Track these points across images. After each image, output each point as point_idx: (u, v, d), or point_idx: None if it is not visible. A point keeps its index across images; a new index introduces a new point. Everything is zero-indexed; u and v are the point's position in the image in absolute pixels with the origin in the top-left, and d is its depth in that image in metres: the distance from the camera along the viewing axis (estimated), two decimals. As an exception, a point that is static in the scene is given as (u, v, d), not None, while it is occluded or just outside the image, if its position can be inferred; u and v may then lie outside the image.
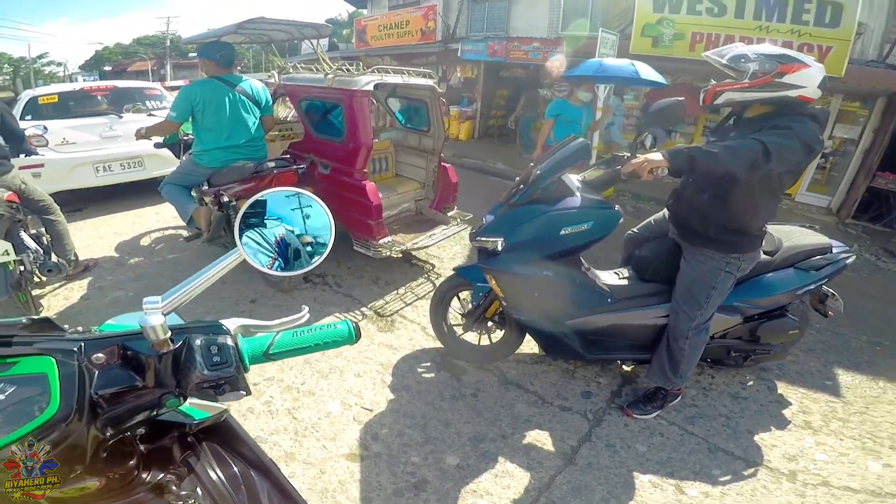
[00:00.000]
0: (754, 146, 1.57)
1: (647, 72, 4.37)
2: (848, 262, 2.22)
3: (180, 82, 15.43)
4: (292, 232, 0.83)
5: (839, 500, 1.86)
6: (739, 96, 1.76)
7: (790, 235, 2.25)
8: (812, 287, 2.16)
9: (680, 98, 1.96)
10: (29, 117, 4.54)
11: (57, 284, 3.18)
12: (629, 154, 1.95)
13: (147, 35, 36.79)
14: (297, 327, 0.73)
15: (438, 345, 2.65)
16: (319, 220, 0.85)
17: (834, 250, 2.21)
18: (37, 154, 3.40)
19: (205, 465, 0.77)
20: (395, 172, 4.25)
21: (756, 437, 2.16)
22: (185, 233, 3.71)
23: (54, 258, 2.91)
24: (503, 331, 2.46)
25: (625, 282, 2.28)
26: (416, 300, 3.21)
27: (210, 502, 0.72)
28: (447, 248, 4.11)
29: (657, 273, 2.20)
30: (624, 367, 2.53)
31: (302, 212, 0.84)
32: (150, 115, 4.95)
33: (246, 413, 2.11)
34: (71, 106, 4.89)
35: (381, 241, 3.20)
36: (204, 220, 3.04)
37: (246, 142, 3.12)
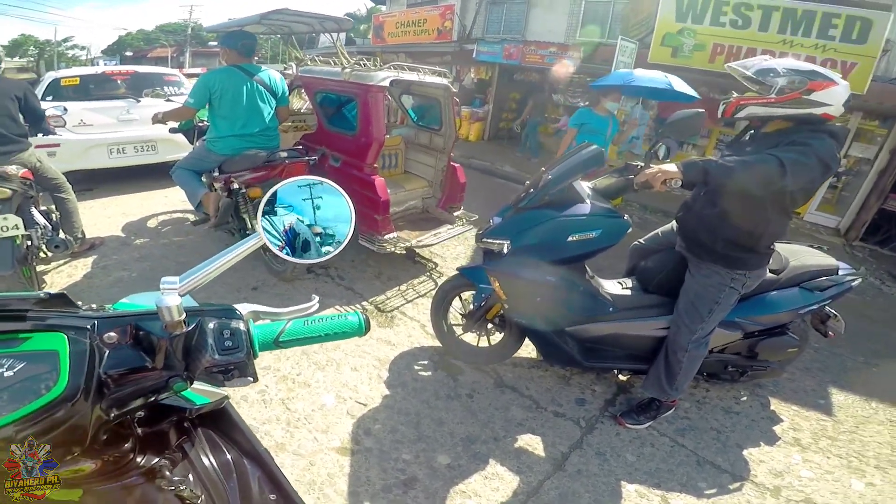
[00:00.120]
0: (770, 162, 1.54)
1: (681, 85, 4.14)
2: (854, 284, 2.20)
3: (198, 70, 15.54)
4: (311, 222, 0.83)
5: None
6: (763, 111, 1.71)
7: (797, 255, 2.23)
8: (815, 307, 2.14)
9: (700, 110, 1.92)
10: (50, 98, 4.60)
11: (62, 261, 3.22)
12: (642, 164, 1.94)
13: (169, 22, 37.13)
14: (306, 316, 0.72)
15: (437, 343, 2.65)
16: (339, 211, 0.84)
17: (840, 272, 2.19)
18: (54, 134, 3.45)
19: (199, 450, 0.76)
20: (404, 169, 4.26)
21: (745, 452, 2.16)
22: (192, 217, 3.75)
23: (62, 235, 2.95)
24: (503, 333, 2.47)
25: (628, 292, 2.27)
26: (417, 297, 3.22)
27: (201, 488, 0.71)
28: (451, 247, 4.12)
29: (661, 285, 2.19)
30: (620, 376, 2.52)
31: (316, 201, 0.84)
32: (169, 100, 5.01)
33: (239, 401, 2.12)
34: (91, 89, 4.95)
35: (386, 237, 3.21)
36: (212, 206, 3.07)
37: (260, 131, 3.14)
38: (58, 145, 4.19)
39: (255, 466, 0.81)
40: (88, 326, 0.56)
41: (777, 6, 5.77)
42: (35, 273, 2.77)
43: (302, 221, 0.83)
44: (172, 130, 3.90)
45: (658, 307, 2.18)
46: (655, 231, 2.40)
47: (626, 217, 2.11)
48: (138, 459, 0.65)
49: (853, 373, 2.92)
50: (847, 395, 2.68)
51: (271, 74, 3.22)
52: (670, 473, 2.00)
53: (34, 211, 2.72)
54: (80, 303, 0.61)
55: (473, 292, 2.45)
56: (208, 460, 0.76)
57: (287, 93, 3.39)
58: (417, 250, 3.72)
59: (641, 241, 2.43)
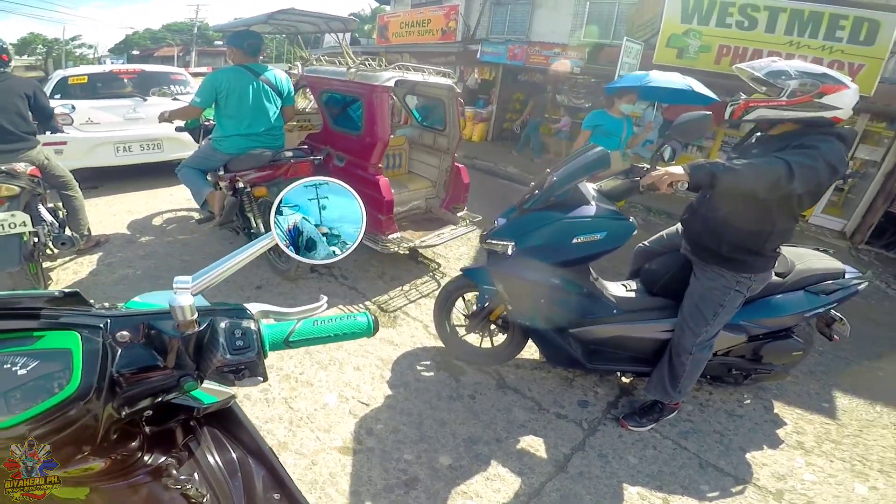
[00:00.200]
0: (778, 165, 1.53)
1: (700, 87, 3.98)
2: (860, 288, 2.18)
3: (204, 69, 15.62)
4: (318, 222, 0.83)
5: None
6: (773, 114, 1.69)
7: (803, 258, 2.22)
8: (820, 311, 2.13)
9: (708, 112, 1.90)
10: (58, 96, 4.64)
11: (67, 258, 3.25)
12: (648, 166, 1.93)
13: (176, 21, 37.31)
14: (314, 317, 0.72)
15: (439, 344, 2.66)
16: (347, 211, 0.84)
17: (846, 276, 2.18)
18: (62, 132, 3.48)
19: (204, 449, 0.76)
20: (408, 169, 4.27)
21: (748, 455, 2.15)
22: (197, 215, 3.77)
23: (68, 232, 2.97)
24: (506, 335, 2.46)
25: (632, 294, 2.27)
26: (420, 298, 3.23)
27: (206, 487, 0.71)
28: (454, 248, 4.12)
29: (665, 287, 2.19)
30: (623, 378, 2.52)
31: (322, 201, 0.84)
32: (175, 99, 5.04)
33: (243, 400, 2.12)
34: (98, 87, 4.99)
35: (389, 237, 3.21)
36: (217, 204, 3.08)
37: (265, 130, 3.16)
38: (65, 143, 4.22)
39: (259, 465, 0.81)
40: (101, 325, 0.56)
41: (784, 7, 5.74)
42: (41, 270, 2.79)
43: (308, 221, 0.83)
44: (178, 129, 3.93)
45: (662, 310, 2.17)
46: (660, 233, 2.39)
47: (631, 219, 2.11)
48: (145, 458, 0.65)
49: (857, 376, 2.90)
50: (851, 399, 2.66)
51: (277, 74, 3.24)
52: (673, 476, 2.00)
53: (41, 208, 2.75)
54: (92, 301, 0.61)
55: (476, 293, 2.45)
56: (213, 459, 0.77)
57: (293, 92, 3.40)
58: (421, 251, 3.72)
59: (646, 243, 2.42)
